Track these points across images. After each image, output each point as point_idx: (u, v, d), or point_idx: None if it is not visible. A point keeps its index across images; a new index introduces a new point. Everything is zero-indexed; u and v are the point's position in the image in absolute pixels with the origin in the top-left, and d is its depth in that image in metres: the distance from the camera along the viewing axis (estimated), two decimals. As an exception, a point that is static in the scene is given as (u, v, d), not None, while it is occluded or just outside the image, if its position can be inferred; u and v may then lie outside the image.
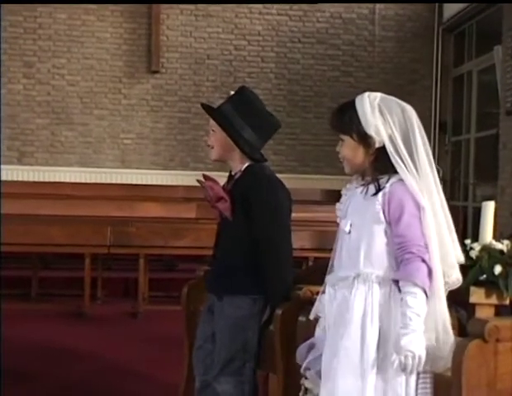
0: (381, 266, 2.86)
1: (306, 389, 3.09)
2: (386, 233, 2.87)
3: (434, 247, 2.81)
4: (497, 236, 3.40)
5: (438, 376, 2.82)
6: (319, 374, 2.96)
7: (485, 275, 3.12)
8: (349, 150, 2.96)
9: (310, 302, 3.39)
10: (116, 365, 5.97)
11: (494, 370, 2.66)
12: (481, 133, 11.39)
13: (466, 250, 3.40)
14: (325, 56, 12.26)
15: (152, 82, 11.94)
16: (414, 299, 2.75)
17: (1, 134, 11.37)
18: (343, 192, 3.08)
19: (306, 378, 3.06)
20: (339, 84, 12.24)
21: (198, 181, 3.79)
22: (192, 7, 11.95)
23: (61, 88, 11.74)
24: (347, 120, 2.94)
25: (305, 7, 12.17)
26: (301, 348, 3.15)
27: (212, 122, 3.74)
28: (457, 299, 3.15)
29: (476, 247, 3.38)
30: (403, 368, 2.73)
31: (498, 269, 3.12)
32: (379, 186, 2.88)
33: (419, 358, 2.72)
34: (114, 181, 11.52)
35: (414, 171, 2.86)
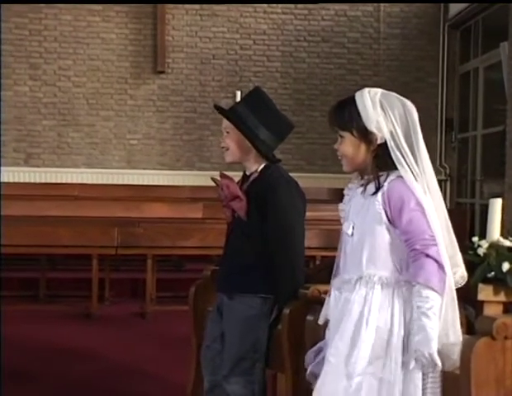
0: (385, 267, 2.84)
1: None
2: (388, 231, 2.84)
3: (440, 241, 2.77)
4: (505, 233, 3.39)
5: (446, 374, 2.81)
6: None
7: (493, 273, 3.11)
8: (349, 147, 2.91)
9: (318, 301, 3.39)
10: (124, 366, 5.97)
11: (502, 367, 2.65)
12: (488, 130, 11.37)
13: (473, 247, 3.38)
14: (331, 54, 12.26)
15: (158, 83, 11.94)
16: (420, 298, 2.72)
17: (1, 135, 11.40)
18: (345, 192, 3.05)
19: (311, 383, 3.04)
20: (345, 82, 12.22)
21: (213, 179, 3.78)
22: (197, 6, 11.95)
23: (67, 90, 11.76)
24: (346, 116, 2.89)
25: (310, 5, 12.17)
26: (310, 353, 3.13)
27: (227, 123, 3.71)
28: (465, 297, 3.14)
29: (484, 244, 3.37)
30: (419, 368, 2.72)
31: (506, 266, 3.11)
32: (379, 183, 2.84)
33: (431, 356, 2.70)
34: (121, 182, 11.53)
35: (415, 167, 2.83)
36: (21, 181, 11.37)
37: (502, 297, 3.01)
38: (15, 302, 8.21)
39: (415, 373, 2.75)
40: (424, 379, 2.78)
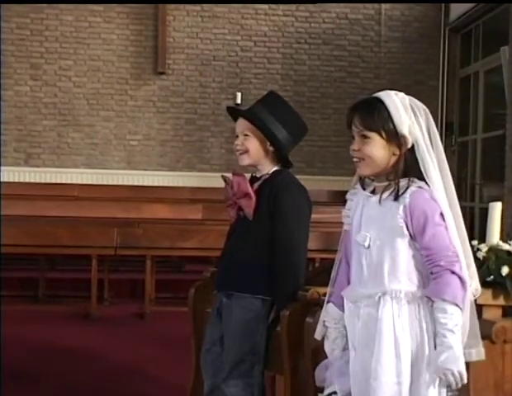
0: (409, 282, 2.74)
1: None
2: (410, 246, 2.74)
3: (462, 256, 2.71)
4: (504, 237, 3.39)
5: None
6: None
7: (492, 276, 3.11)
8: (376, 149, 2.76)
9: (317, 303, 3.39)
10: (123, 366, 5.97)
11: (501, 370, 2.66)
12: (488, 133, 11.37)
13: (473, 251, 3.38)
14: (331, 57, 12.26)
15: (158, 84, 11.95)
16: (445, 315, 2.64)
17: (1, 135, 11.42)
18: (348, 197, 2.95)
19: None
20: (346, 85, 12.24)
21: (223, 177, 3.76)
22: (198, 8, 11.96)
23: (68, 90, 11.77)
24: (376, 117, 2.75)
25: (311, 7, 12.18)
26: (318, 370, 3.09)
27: (245, 126, 3.63)
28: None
29: (483, 247, 3.37)
30: (446, 385, 2.65)
31: (505, 270, 3.11)
32: (398, 190, 2.74)
33: (460, 374, 2.61)
34: (120, 183, 11.54)
35: (439, 175, 2.74)
36: (21, 180, 11.38)
37: (501, 301, 3.01)
38: (14, 302, 8.20)
39: (442, 388, 2.68)
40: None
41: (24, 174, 11.59)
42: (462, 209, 2.82)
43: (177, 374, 5.19)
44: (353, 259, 2.90)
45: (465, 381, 2.63)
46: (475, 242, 3.43)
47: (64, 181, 11.44)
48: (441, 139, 2.82)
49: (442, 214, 2.72)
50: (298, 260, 3.59)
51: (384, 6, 12.30)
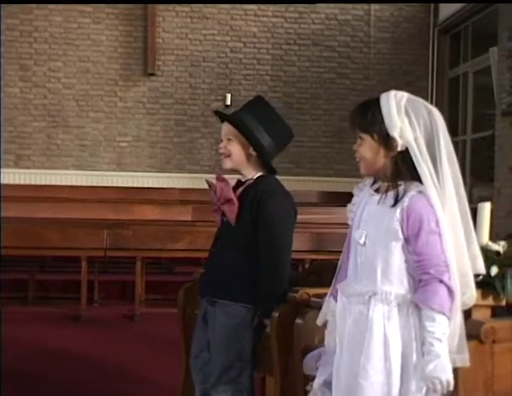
0: (400, 285, 2.74)
1: None
2: (403, 249, 2.74)
3: (453, 265, 2.69)
4: (493, 237, 3.39)
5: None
6: (326, 384, 2.89)
7: (481, 277, 3.12)
8: (368, 150, 2.79)
9: (307, 304, 3.39)
10: (113, 368, 5.96)
11: (491, 371, 2.66)
12: (477, 134, 11.41)
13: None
14: (321, 58, 12.28)
15: (148, 85, 11.94)
16: (433, 323, 2.64)
17: (1, 134, 11.41)
18: (354, 192, 2.96)
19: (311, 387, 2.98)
20: (335, 86, 12.26)
21: (207, 181, 3.75)
22: (187, 8, 11.96)
23: (57, 91, 11.75)
24: (369, 118, 2.77)
25: (300, 8, 12.19)
26: (310, 359, 3.09)
27: (229, 130, 3.63)
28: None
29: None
30: (432, 393, 2.64)
31: (494, 270, 3.11)
32: (397, 194, 2.74)
33: (447, 382, 2.61)
34: (110, 184, 11.53)
35: (435, 179, 2.72)
36: (11, 182, 11.35)
37: (490, 301, 3.01)
38: (4, 304, 8.17)
39: (429, 394, 2.68)
40: None
41: (14, 176, 11.56)
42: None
43: (167, 375, 5.19)
44: (350, 254, 2.91)
45: (451, 389, 2.63)
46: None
47: (53, 183, 11.42)
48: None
49: (437, 222, 2.70)
50: (283, 266, 3.55)
51: (373, 6, 12.33)
